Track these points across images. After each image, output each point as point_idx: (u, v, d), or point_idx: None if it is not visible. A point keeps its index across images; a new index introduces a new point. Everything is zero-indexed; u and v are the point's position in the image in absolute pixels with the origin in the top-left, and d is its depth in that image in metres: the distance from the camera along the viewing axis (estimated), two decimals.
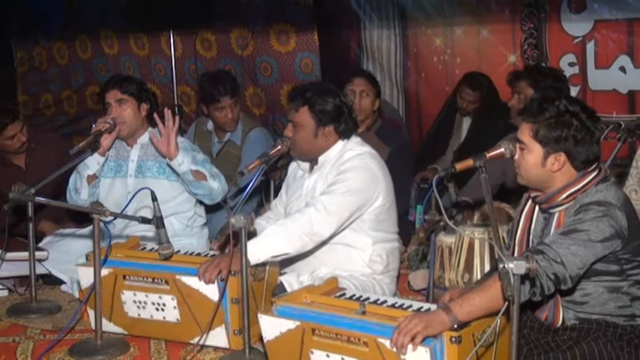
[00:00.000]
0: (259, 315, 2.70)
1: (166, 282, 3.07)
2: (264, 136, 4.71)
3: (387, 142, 4.17)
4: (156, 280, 3.09)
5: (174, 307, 3.09)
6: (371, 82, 4.40)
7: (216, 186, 3.73)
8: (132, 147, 3.89)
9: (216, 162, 4.48)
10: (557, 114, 2.55)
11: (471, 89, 5.19)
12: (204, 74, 4.86)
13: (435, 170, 5.12)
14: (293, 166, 3.63)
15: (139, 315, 3.19)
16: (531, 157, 2.60)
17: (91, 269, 3.13)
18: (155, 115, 3.73)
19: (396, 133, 4.61)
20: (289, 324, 2.62)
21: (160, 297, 3.10)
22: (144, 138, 3.87)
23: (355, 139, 3.44)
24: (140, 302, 3.15)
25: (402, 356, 2.39)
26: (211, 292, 2.99)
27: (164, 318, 3.14)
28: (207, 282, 2.97)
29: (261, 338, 2.78)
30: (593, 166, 2.60)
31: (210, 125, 4.75)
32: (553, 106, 2.56)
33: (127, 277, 3.15)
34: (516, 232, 2.78)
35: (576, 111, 2.55)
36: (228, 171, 4.58)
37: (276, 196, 3.99)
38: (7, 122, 4.36)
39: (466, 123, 5.33)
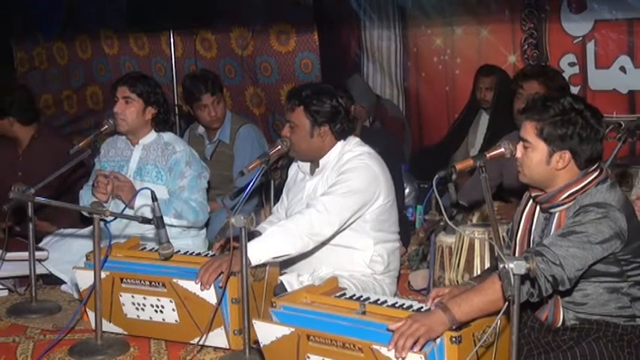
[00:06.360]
0: (254, 321, 2.66)
1: (163, 285, 3.06)
2: (255, 131, 4.75)
3: (370, 145, 4.14)
4: (153, 283, 3.08)
5: (173, 310, 3.09)
6: None
7: (191, 220, 3.76)
8: (135, 147, 3.90)
9: (211, 164, 4.50)
10: (562, 112, 2.53)
11: (483, 75, 5.18)
12: (187, 75, 4.93)
13: None
14: (293, 169, 3.62)
15: (138, 316, 3.18)
16: (536, 156, 2.58)
17: (88, 272, 3.13)
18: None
19: (380, 134, 4.58)
20: (284, 330, 2.58)
21: (158, 299, 3.10)
22: (146, 139, 3.89)
23: (354, 140, 3.44)
24: (139, 304, 3.15)
25: None
26: (209, 295, 2.98)
27: (163, 320, 3.14)
28: (205, 285, 2.96)
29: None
30: (595, 165, 2.59)
31: (201, 129, 4.82)
32: (558, 104, 2.54)
33: (125, 280, 3.14)
34: (517, 232, 2.77)
35: (581, 109, 2.54)
36: (223, 171, 4.63)
37: (276, 196, 3.99)
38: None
39: (484, 120, 5.25)
